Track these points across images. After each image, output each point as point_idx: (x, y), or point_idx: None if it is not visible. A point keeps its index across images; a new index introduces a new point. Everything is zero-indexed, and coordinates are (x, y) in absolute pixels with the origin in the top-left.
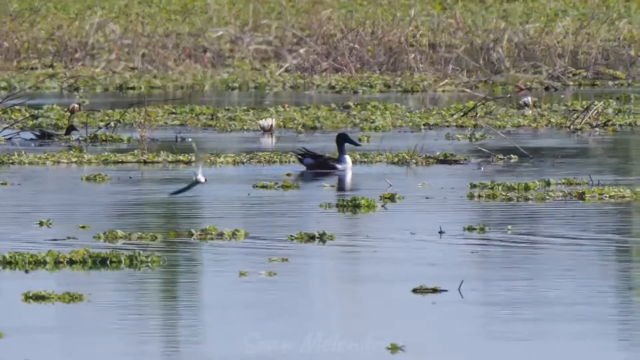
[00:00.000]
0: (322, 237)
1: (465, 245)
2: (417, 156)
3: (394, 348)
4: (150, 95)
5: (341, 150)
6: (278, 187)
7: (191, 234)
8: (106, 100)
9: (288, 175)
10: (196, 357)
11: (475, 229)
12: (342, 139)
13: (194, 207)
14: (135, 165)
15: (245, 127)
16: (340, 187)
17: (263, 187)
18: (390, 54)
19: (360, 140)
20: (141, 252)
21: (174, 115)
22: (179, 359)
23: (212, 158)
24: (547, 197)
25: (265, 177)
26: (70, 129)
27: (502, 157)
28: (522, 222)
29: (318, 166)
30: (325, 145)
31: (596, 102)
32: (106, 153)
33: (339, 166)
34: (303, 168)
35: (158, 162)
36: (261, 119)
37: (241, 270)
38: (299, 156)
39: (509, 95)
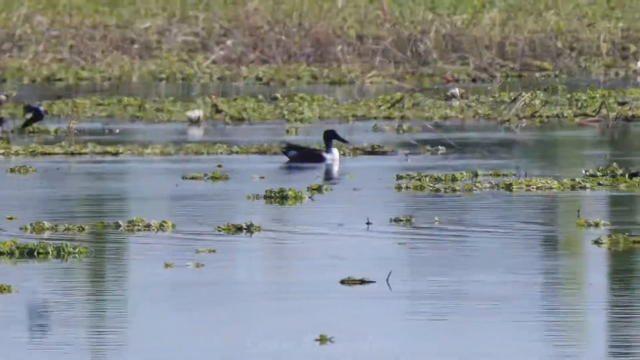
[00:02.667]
0: (250, 229)
1: (393, 237)
2: (345, 148)
3: (322, 339)
4: (78, 87)
5: (328, 146)
6: (207, 178)
7: (118, 226)
8: (34, 92)
9: (219, 166)
10: (122, 347)
11: (402, 220)
12: (330, 135)
13: (122, 199)
14: (62, 157)
15: (172, 119)
16: (327, 177)
17: (192, 178)
18: (318, 46)
19: (287, 131)
20: (68, 243)
21: (101, 107)
22: (105, 350)
23: (140, 149)
24: (475, 188)
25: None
26: None
27: (429, 148)
28: (449, 213)
29: (303, 158)
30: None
31: (523, 94)
32: (33, 145)
33: (327, 156)
34: (285, 160)
35: (85, 154)
36: (189, 110)
37: (166, 262)
38: (283, 149)
39: (436, 86)
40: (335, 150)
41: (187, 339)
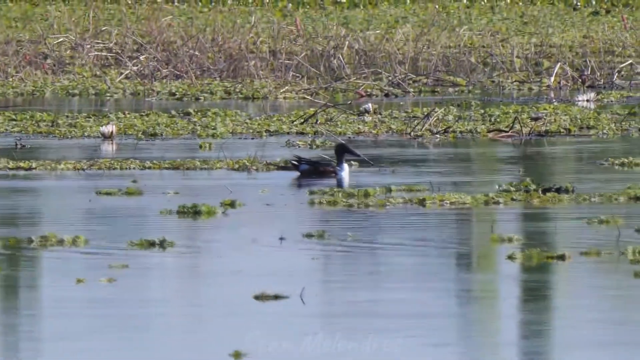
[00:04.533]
0: (163, 244)
1: (306, 252)
2: (258, 163)
3: (237, 355)
4: None
5: (340, 160)
6: (122, 193)
7: (31, 241)
8: None
9: (134, 181)
10: None
11: (314, 235)
12: (342, 150)
13: (35, 214)
14: None
15: (85, 134)
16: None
17: (107, 193)
18: (231, 61)
19: (201, 147)
20: None
21: (14, 122)
22: None
23: (53, 165)
24: (388, 203)
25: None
26: None
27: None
28: (362, 228)
29: (317, 172)
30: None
31: (436, 109)
32: None
33: (339, 170)
34: (296, 174)
35: None
36: (102, 125)
37: (78, 278)
38: (294, 163)
39: (349, 102)
40: (346, 165)
41: (97, 356)
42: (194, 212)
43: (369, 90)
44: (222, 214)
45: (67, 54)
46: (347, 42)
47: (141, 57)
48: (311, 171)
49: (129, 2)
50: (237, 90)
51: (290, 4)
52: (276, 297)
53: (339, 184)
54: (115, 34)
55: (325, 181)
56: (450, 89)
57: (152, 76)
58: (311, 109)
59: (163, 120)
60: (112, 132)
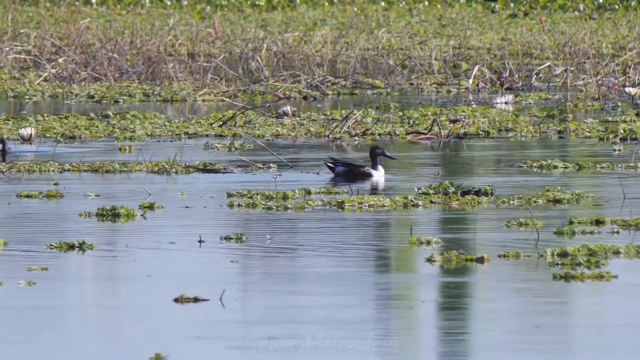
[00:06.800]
0: (82, 247)
1: (225, 255)
2: (177, 165)
3: (157, 358)
4: None
5: (375, 162)
6: (42, 196)
7: None
8: None
9: (55, 184)
10: None
11: (233, 238)
12: (376, 152)
13: None
14: None
15: (4, 137)
16: (373, 190)
17: (27, 196)
18: (149, 64)
19: (120, 149)
20: None
21: None
22: None
23: None
24: (307, 206)
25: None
26: None
27: (261, 166)
28: (281, 231)
29: (352, 174)
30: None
31: (355, 111)
32: None
33: (374, 173)
34: (331, 175)
35: None
36: (21, 128)
37: None
38: (330, 164)
39: (267, 104)
40: (381, 167)
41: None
42: (113, 215)
43: (287, 92)
44: (141, 216)
45: None
46: (265, 45)
47: (60, 60)
48: (347, 173)
49: (48, 4)
50: (156, 92)
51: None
52: (196, 299)
53: (375, 186)
54: (34, 37)
55: (360, 183)
56: (369, 92)
57: (71, 79)
58: (230, 112)
59: (82, 123)
60: (31, 134)
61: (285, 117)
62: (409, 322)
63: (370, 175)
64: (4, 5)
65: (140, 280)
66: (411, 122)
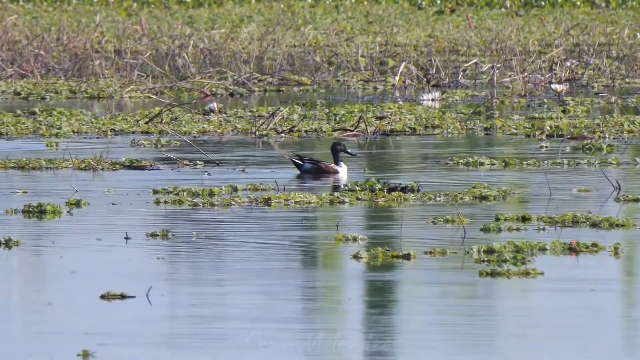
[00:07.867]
0: (8, 243)
1: (151, 251)
2: (103, 162)
3: (85, 355)
4: None
5: (337, 158)
6: None
7: None
8: None
9: None
10: None
11: (158, 235)
12: (338, 149)
13: None
14: None
15: None
16: (335, 187)
17: None
18: (76, 60)
19: (48, 145)
20: None
21: None
22: None
23: None
24: (233, 203)
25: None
26: None
27: (187, 163)
28: (208, 227)
29: (319, 171)
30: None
31: (281, 108)
32: None
33: (339, 169)
34: (297, 172)
35: None
36: None
37: None
38: (296, 161)
39: (194, 101)
40: (343, 164)
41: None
42: (40, 212)
43: (214, 89)
44: (68, 213)
45: None
46: (192, 42)
47: None
48: (314, 170)
49: None
50: (83, 89)
51: (135, 4)
52: (122, 296)
53: (337, 182)
54: None
55: (327, 179)
56: (295, 88)
57: None
58: (156, 109)
59: (8, 120)
60: None
61: (212, 114)
62: (335, 319)
63: (337, 172)
64: None
65: (66, 277)
66: (338, 119)
